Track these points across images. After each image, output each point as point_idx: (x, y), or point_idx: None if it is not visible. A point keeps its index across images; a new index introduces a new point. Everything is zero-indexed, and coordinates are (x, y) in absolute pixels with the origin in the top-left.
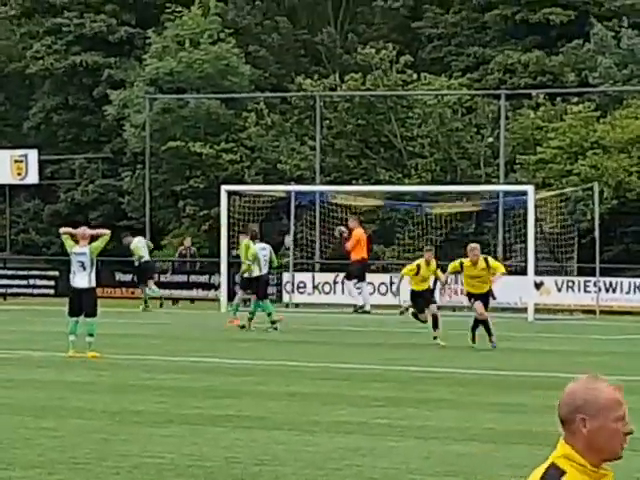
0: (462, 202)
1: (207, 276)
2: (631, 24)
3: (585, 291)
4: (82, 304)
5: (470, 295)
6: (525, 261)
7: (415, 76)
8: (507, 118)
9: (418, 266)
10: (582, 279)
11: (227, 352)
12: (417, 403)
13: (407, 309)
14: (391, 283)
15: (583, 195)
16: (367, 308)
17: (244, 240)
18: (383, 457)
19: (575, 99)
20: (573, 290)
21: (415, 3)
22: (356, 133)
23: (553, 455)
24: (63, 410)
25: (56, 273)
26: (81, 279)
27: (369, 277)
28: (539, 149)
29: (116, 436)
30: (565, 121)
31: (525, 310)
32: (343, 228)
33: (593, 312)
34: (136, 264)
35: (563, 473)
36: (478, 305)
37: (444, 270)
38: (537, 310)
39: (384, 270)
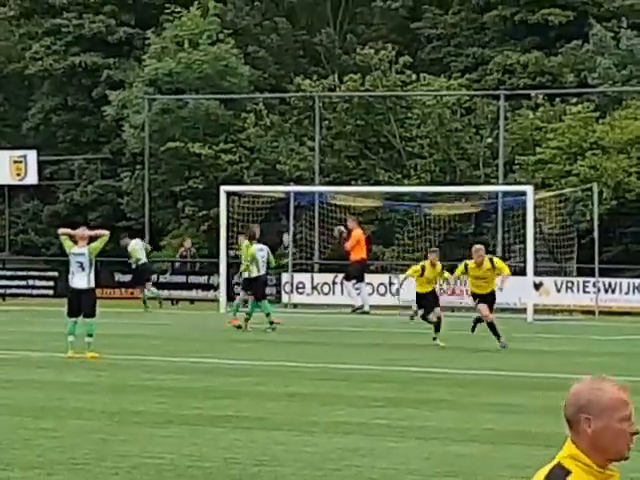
0: (461, 203)
1: (206, 277)
2: (630, 25)
3: (584, 292)
4: (81, 305)
5: (475, 295)
6: (524, 262)
7: (414, 77)
8: (506, 119)
9: (423, 267)
10: (581, 280)
11: (226, 353)
12: (416, 404)
13: (416, 312)
14: (390, 284)
15: (582, 196)
16: (366, 309)
17: (244, 241)
18: (382, 458)
19: (574, 100)
20: (572, 291)
21: (414, 4)
22: (355, 134)
23: (559, 455)
24: (62, 411)
25: (55, 274)
26: (80, 280)
27: (368, 278)
28: (538, 150)
29: (115, 437)
30: (564, 122)
31: (524, 311)
32: (342, 228)
33: (592, 313)
34: (133, 266)
35: (568, 473)
36: (482, 307)
37: (449, 270)
38: (536, 311)
39: (383, 271)
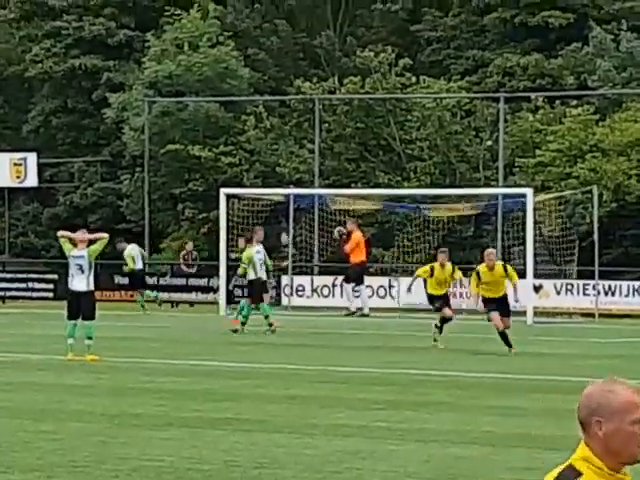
0: (461, 205)
1: (206, 279)
2: (630, 27)
3: (584, 294)
4: (81, 307)
5: (486, 301)
6: (524, 264)
7: (414, 79)
8: (506, 121)
9: (432, 268)
10: (581, 282)
11: (226, 355)
12: (416, 406)
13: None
14: (390, 286)
15: (582, 198)
16: (366, 311)
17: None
18: (382, 460)
19: (574, 102)
20: (572, 293)
21: (414, 6)
22: (355, 136)
23: (572, 457)
24: (62, 413)
25: (55, 276)
26: (79, 282)
27: (368, 280)
28: (538, 152)
29: (115, 439)
30: (564, 124)
31: (524, 313)
32: (342, 228)
33: (592, 315)
34: (125, 270)
35: (579, 475)
36: (494, 316)
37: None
38: (536, 313)
39: (383, 273)
